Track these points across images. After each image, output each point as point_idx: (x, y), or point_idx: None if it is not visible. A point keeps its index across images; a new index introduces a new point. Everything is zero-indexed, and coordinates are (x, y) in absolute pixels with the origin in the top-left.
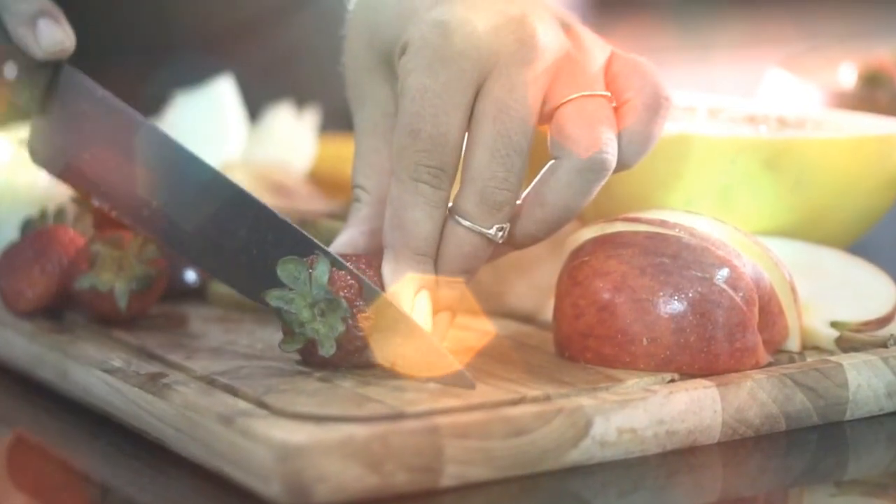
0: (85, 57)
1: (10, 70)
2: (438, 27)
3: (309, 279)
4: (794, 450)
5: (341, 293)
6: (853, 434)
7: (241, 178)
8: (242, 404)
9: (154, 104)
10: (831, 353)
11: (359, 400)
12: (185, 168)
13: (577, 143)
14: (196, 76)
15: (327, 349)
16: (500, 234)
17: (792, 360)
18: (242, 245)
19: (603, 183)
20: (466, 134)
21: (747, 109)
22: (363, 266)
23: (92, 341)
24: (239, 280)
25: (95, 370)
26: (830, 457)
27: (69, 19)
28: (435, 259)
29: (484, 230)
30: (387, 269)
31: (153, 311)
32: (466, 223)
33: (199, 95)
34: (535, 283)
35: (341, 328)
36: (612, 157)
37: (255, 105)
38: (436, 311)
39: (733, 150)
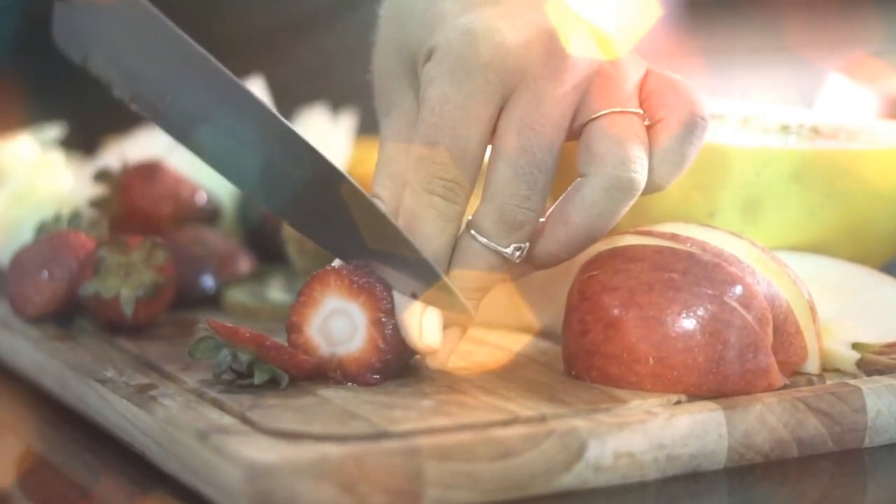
0: None
1: None
2: (465, 35)
3: (222, 344)
4: (807, 477)
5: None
6: (872, 461)
7: None
8: (227, 419)
9: None
10: (854, 376)
11: (344, 417)
12: (196, 65)
13: (604, 160)
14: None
15: (281, 378)
16: (518, 253)
17: (810, 383)
18: (252, 149)
19: (631, 203)
20: (490, 147)
21: (781, 118)
22: (373, 279)
23: (92, 349)
24: (251, 186)
25: (89, 379)
26: (847, 485)
27: None
28: (447, 273)
29: (501, 249)
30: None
31: (163, 319)
32: (483, 240)
33: None
34: (554, 297)
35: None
36: (640, 177)
37: (295, 107)
38: (446, 325)
39: (758, 160)
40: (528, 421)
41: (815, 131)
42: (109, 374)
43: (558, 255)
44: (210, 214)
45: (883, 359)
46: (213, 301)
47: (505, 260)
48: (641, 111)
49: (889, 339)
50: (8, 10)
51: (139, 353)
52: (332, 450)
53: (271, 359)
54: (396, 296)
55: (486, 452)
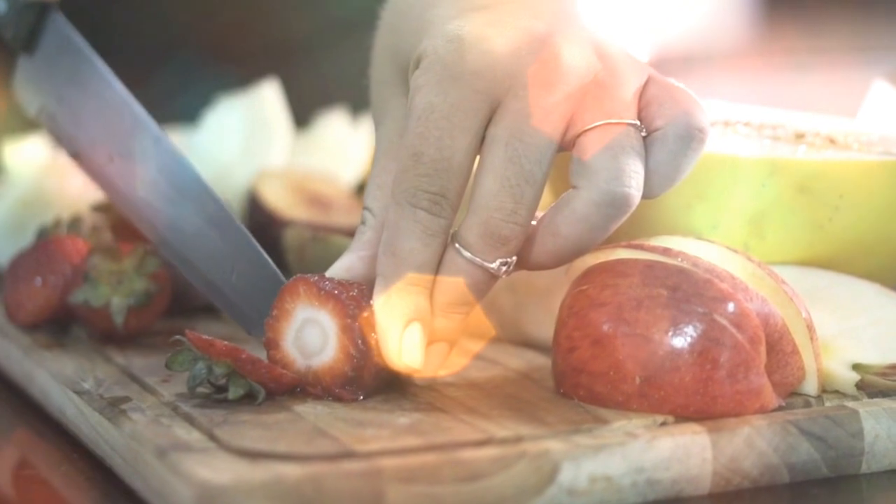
0: (132, 53)
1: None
2: (452, 42)
3: (199, 356)
4: None
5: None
6: (870, 489)
7: (277, 187)
8: (195, 435)
9: (199, 106)
10: (855, 398)
11: (313, 435)
12: (135, 129)
13: (597, 173)
14: (249, 80)
15: (257, 392)
16: (504, 268)
17: (808, 405)
18: (180, 215)
19: (624, 218)
20: (478, 159)
21: (796, 125)
22: (354, 294)
23: (77, 359)
24: (182, 263)
25: (68, 391)
26: None
27: (120, 14)
28: (431, 288)
29: (486, 264)
30: (377, 298)
31: (158, 328)
32: (467, 254)
33: (242, 100)
34: (553, 310)
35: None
36: (635, 192)
37: (314, 111)
38: (431, 341)
39: (764, 171)
40: (502, 442)
41: (831, 140)
42: (87, 385)
43: (544, 264)
44: None
45: (884, 381)
46: (212, 309)
47: (491, 275)
48: (639, 122)
49: (892, 360)
50: None
51: (125, 364)
52: (289, 471)
53: (248, 372)
54: (376, 312)
55: (453, 474)
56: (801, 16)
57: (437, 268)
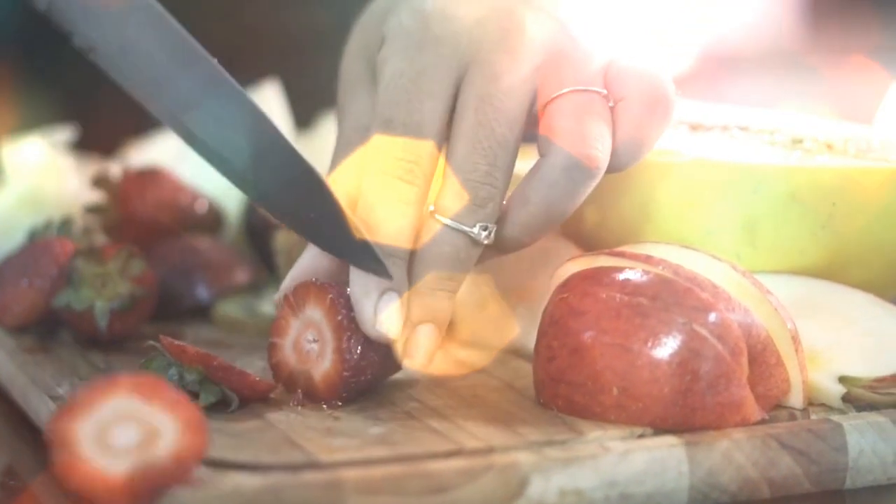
0: None
1: None
2: (416, 13)
3: (172, 362)
4: None
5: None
6: None
7: None
8: None
9: None
10: (842, 411)
11: (279, 445)
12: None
13: (563, 138)
14: (249, 81)
15: (231, 399)
16: (485, 233)
17: (793, 418)
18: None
19: (593, 184)
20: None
21: (795, 130)
22: (314, 290)
23: (58, 363)
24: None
25: (44, 395)
26: None
27: None
28: (411, 263)
29: (466, 228)
30: (353, 271)
31: (148, 331)
32: (446, 220)
33: None
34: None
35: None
36: (601, 156)
37: (316, 112)
38: (416, 321)
39: (755, 178)
40: (471, 453)
41: (828, 146)
42: (62, 390)
43: (519, 239)
44: (211, 223)
45: (871, 394)
46: (205, 313)
47: (472, 242)
48: (605, 91)
49: (880, 373)
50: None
51: (105, 369)
52: (248, 481)
53: (220, 379)
54: (351, 285)
55: (418, 486)
56: (825, 16)
57: (413, 240)
